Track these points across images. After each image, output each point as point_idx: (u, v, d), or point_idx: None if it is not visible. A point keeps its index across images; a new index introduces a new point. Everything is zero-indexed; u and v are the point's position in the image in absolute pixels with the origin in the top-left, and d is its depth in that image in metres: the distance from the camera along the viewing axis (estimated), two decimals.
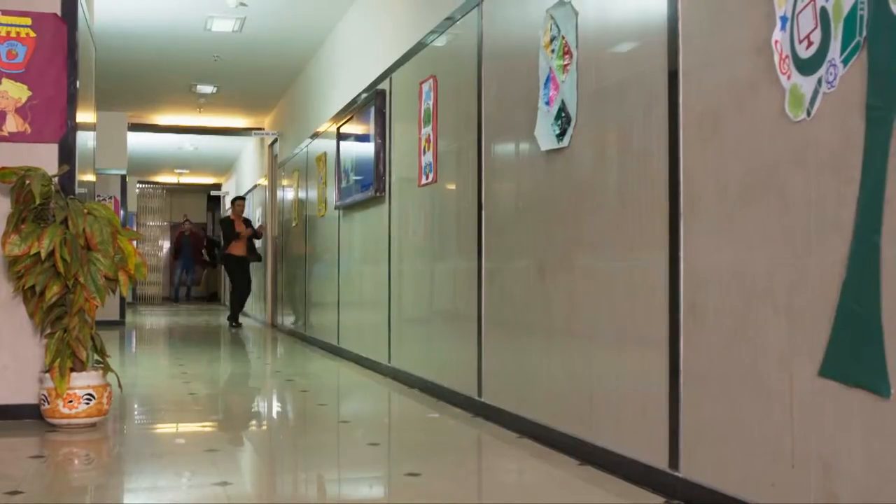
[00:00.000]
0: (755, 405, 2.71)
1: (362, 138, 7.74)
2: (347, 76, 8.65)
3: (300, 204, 11.24)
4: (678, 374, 3.12)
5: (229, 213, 13.76)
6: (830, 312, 2.39)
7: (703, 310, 2.99)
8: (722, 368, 2.88)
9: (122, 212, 14.19)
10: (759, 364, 2.70)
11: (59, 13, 4.77)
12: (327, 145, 9.47)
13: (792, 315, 2.55)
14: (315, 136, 10.20)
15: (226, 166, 21.38)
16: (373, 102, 7.23)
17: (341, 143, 8.67)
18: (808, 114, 2.48)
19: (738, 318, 2.80)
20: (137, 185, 22.45)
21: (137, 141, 15.31)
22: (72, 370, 4.48)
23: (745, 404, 2.76)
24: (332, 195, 9.07)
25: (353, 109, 8.12)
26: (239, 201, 13.42)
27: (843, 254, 2.35)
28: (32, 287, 4.42)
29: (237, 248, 12.91)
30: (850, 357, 2.32)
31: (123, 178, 14.22)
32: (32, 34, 4.73)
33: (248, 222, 13.24)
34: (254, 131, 14.60)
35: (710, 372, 2.94)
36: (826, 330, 2.41)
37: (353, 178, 8.11)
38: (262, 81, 12.07)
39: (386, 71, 6.94)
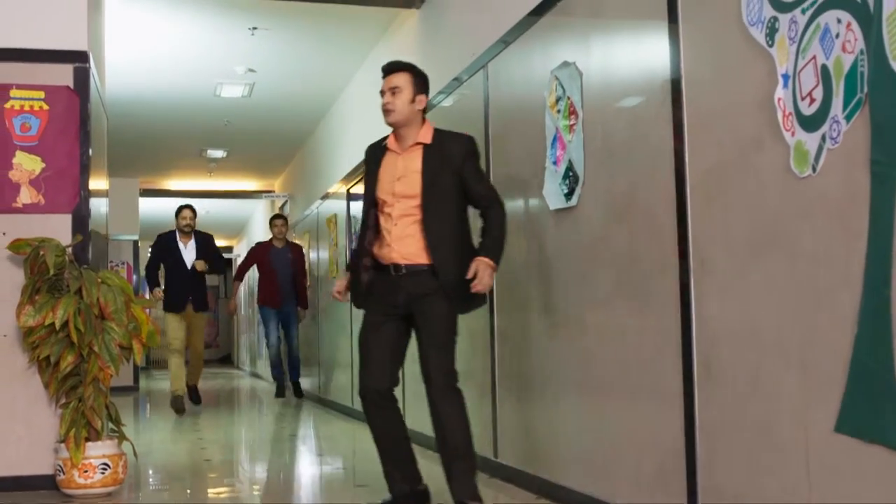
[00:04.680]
0: (772, 461, 2.69)
1: None
2: (356, 138, 8.72)
3: (312, 265, 11.28)
4: (694, 430, 3.10)
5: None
6: (844, 367, 2.39)
7: (717, 365, 2.99)
8: (737, 424, 2.87)
9: (134, 277, 14.26)
10: (774, 420, 2.69)
11: (71, 86, 4.85)
12: (338, 206, 9.52)
13: (805, 370, 2.55)
14: (325, 197, 10.26)
15: (237, 229, 21.49)
16: None
17: (351, 204, 8.72)
18: (814, 170, 2.50)
19: (751, 374, 2.80)
20: (149, 250, 22.56)
21: (149, 206, 15.44)
22: (87, 440, 4.48)
23: (762, 460, 2.74)
24: (343, 256, 9.10)
25: (362, 171, 8.16)
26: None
27: (855, 308, 2.35)
28: (47, 357, 4.43)
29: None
30: (865, 412, 2.31)
31: (136, 243, 14.31)
32: (46, 107, 4.80)
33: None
34: (264, 194, 14.69)
35: (726, 427, 2.93)
36: (840, 385, 2.41)
37: None
38: (271, 145, 12.18)
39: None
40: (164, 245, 9.31)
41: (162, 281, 9.37)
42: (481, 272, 3.70)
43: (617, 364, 3.64)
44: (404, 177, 3.92)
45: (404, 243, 3.88)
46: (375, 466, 4.05)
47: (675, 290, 3.20)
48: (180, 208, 9.39)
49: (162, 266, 9.34)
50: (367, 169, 4.15)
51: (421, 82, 4.00)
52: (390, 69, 4.02)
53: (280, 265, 10.35)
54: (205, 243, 9.35)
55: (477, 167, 3.98)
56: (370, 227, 4.02)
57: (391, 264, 3.89)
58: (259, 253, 10.54)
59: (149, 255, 9.66)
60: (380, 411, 4.00)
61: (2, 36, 4.80)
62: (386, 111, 3.96)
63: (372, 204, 4.04)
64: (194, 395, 9.71)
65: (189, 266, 9.10)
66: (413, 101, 3.94)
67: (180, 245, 9.26)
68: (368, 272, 4.00)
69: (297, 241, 11.44)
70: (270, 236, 10.63)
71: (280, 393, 10.71)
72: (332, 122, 10.22)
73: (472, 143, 4.01)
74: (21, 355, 4.69)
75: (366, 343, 4.05)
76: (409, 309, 3.89)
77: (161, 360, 23.90)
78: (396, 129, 4.00)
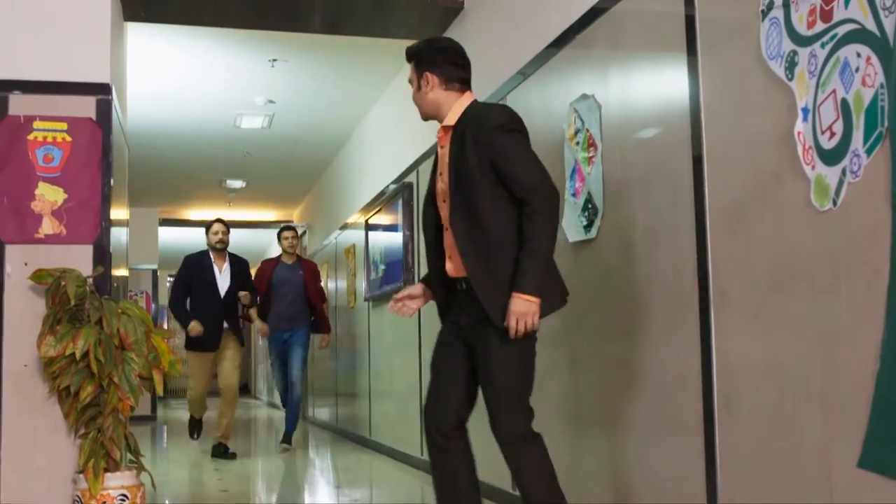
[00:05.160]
0: (794, 497, 2.67)
1: (391, 230, 7.81)
2: (374, 169, 8.76)
3: (330, 295, 11.30)
4: (715, 464, 3.08)
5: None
6: (866, 402, 2.38)
7: (738, 400, 2.97)
8: (759, 459, 2.85)
9: (153, 306, 14.31)
10: (796, 455, 2.67)
11: (94, 117, 4.89)
12: (356, 237, 9.55)
13: (827, 405, 2.53)
14: (344, 227, 10.29)
15: (255, 259, 21.47)
16: (401, 195, 7.32)
17: (370, 234, 8.75)
18: (835, 204, 2.50)
19: (772, 408, 2.78)
20: (168, 279, 22.64)
21: (168, 235, 15.51)
22: (106, 470, 4.47)
23: (785, 496, 2.72)
24: (361, 287, 9.11)
25: (381, 201, 8.21)
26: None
27: (876, 343, 2.34)
28: (67, 387, 4.44)
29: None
30: (888, 448, 2.30)
31: (154, 272, 14.37)
32: (68, 138, 4.84)
33: None
34: (283, 224, 14.73)
35: (748, 463, 2.91)
36: (863, 420, 2.39)
37: (382, 269, 8.16)
38: (290, 175, 12.24)
39: (413, 164, 7.04)
40: (196, 268, 7.88)
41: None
42: (508, 317, 3.06)
43: (637, 398, 3.62)
44: (443, 172, 3.34)
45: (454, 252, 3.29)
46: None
47: (696, 324, 3.19)
48: (211, 223, 8.09)
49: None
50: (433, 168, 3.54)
51: (424, 62, 3.38)
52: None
53: (285, 283, 8.69)
54: (240, 269, 8.09)
55: (506, 144, 3.18)
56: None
57: (453, 279, 3.33)
58: (264, 269, 8.97)
59: (172, 281, 8.22)
60: (442, 455, 3.32)
61: (26, 68, 4.85)
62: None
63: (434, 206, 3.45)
64: (223, 451, 8.01)
65: (223, 294, 7.82)
66: (419, 87, 3.39)
67: (215, 269, 7.91)
68: (443, 286, 3.40)
69: (310, 259, 10.17)
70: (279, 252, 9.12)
71: (284, 438, 8.69)
72: (350, 153, 10.27)
73: (501, 113, 3.28)
74: (41, 385, 4.70)
75: (434, 367, 3.40)
76: (469, 337, 3.27)
77: (179, 389, 23.93)
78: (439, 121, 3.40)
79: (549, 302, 3.14)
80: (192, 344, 7.66)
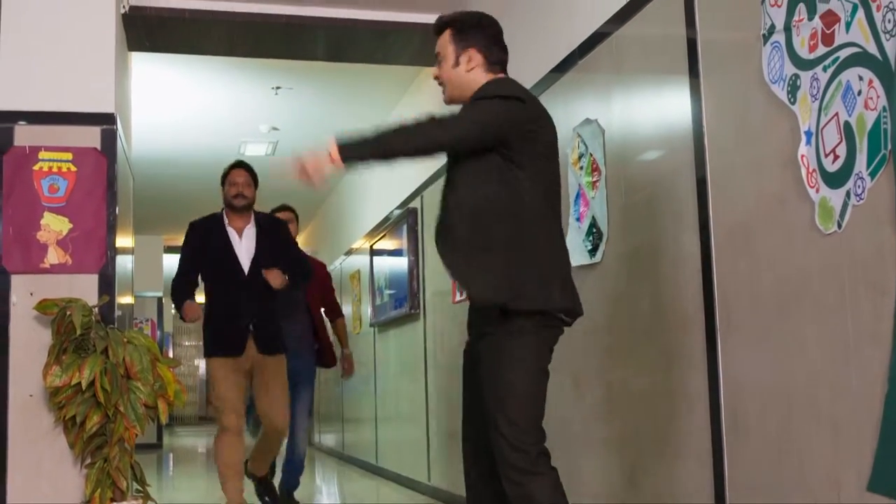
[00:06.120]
0: None
1: (396, 255, 7.82)
2: (379, 194, 8.78)
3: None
4: (724, 488, 3.07)
5: None
6: (875, 425, 2.37)
7: (745, 422, 2.96)
8: (768, 481, 2.84)
9: (158, 333, 14.31)
10: (805, 477, 2.66)
11: (99, 147, 4.91)
12: (361, 262, 9.56)
13: (836, 428, 2.53)
14: (349, 253, 10.30)
15: None
16: (405, 220, 7.33)
17: (375, 259, 8.76)
18: (839, 226, 2.50)
19: (781, 430, 2.77)
20: (172, 309, 22.62)
21: (173, 263, 15.53)
22: (112, 500, 4.46)
23: None
24: (366, 312, 9.11)
25: (385, 227, 8.22)
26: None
27: (884, 365, 2.33)
28: (73, 417, 4.44)
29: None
30: None
31: (160, 300, 14.38)
32: (73, 168, 4.86)
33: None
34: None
35: (757, 485, 2.90)
36: (872, 442, 2.38)
37: (387, 295, 8.16)
38: (295, 201, 12.19)
39: (417, 189, 7.05)
40: (202, 235, 5.26)
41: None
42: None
43: (644, 420, 3.61)
44: None
45: None
46: None
47: (702, 347, 3.18)
48: (228, 170, 5.42)
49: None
50: None
51: (469, 36, 2.97)
52: (435, 34, 3.08)
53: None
54: (273, 232, 5.36)
55: (468, 107, 2.86)
56: None
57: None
58: None
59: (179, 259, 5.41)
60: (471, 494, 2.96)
61: (31, 99, 4.88)
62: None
63: None
64: (266, 490, 5.81)
65: (246, 270, 5.11)
66: (457, 63, 2.97)
67: (230, 234, 5.18)
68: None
69: (317, 258, 7.28)
70: None
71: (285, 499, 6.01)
72: (354, 178, 10.28)
73: (495, 83, 2.91)
74: (47, 415, 4.70)
75: (463, 388, 3.05)
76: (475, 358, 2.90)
77: (184, 416, 23.88)
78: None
79: (546, 295, 2.76)
80: (212, 346, 5.13)
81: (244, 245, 5.15)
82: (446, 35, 3.00)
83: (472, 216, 2.78)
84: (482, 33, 2.98)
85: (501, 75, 3.00)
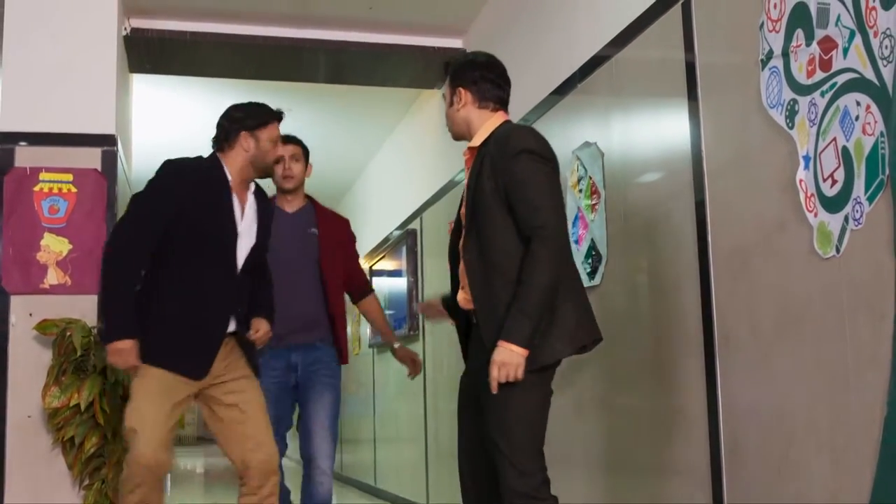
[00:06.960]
0: None
1: (395, 276, 7.82)
2: (378, 215, 8.79)
3: None
4: None
5: None
6: (874, 449, 2.37)
7: (744, 446, 2.96)
8: None
9: None
10: (805, 501, 2.65)
11: (99, 169, 4.92)
12: None
13: (835, 452, 2.53)
14: None
15: None
16: (405, 241, 7.34)
17: (374, 280, 8.75)
18: (838, 251, 2.51)
19: (780, 455, 2.77)
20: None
21: None
22: None
23: None
24: (366, 333, 9.10)
25: (385, 248, 8.23)
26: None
27: (883, 390, 2.33)
28: (71, 438, 4.44)
29: None
30: None
31: None
32: (74, 189, 4.87)
33: None
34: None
35: None
36: (871, 466, 2.38)
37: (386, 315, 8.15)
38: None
39: (417, 210, 7.06)
40: (198, 191, 3.78)
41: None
42: (490, 366, 2.69)
43: (643, 443, 3.61)
44: (465, 196, 3.04)
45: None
46: None
47: (701, 370, 3.19)
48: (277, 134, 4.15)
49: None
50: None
51: (458, 77, 3.04)
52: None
53: (284, 248, 4.26)
54: (266, 213, 3.89)
55: (523, 171, 2.78)
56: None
57: (467, 311, 3.01)
58: None
59: (124, 213, 3.84)
60: None
61: (33, 121, 4.89)
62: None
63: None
64: None
65: (241, 260, 3.60)
66: (451, 102, 3.06)
67: (235, 205, 3.73)
68: (462, 317, 3.07)
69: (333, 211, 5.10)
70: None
71: None
72: (354, 200, 10.30)
73: (526, 135, 2.89)
74: (45, 436, 4.69)
75: (458, 423, 3.06)
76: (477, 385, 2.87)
77: (183, 437, 23.69)
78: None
79: (547, 350, 2.78)
80: (160, 354, 3.33)
81: (246, 225, 3.71)
82: (448, 79, 3.09)
83: (506, 278, 2.79)
84: (472, 72, 3.03)
85: (500, 112, 3.04)
